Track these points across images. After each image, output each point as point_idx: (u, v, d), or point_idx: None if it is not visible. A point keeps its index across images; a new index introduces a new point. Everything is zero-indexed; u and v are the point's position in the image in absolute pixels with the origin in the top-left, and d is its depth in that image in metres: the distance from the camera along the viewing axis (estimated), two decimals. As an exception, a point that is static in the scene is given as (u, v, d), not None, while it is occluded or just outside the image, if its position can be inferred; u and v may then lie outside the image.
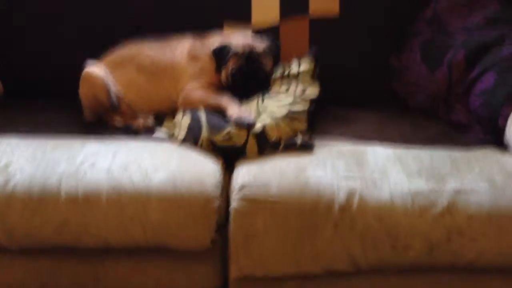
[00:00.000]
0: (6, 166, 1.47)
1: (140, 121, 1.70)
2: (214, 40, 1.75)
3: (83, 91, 1.70)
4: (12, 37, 1.87)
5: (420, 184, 1.44)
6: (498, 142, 1.60)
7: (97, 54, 1.79)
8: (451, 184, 1.44)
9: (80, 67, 1.71)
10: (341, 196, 1.42)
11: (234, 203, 1.43)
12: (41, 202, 1.42)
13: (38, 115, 1.74)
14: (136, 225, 1.41)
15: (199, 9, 1.86)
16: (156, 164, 1.48)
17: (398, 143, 1.61)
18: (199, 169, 1.48)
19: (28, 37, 1.87)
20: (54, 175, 1.44)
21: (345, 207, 1.41)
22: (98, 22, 1.85)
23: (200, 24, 1.84)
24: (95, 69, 1.70)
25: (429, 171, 1.48)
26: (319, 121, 1.71)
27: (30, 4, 1.85)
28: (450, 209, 1.40)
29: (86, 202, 1.41)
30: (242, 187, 1.44)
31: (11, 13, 1.86)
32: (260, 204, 1.41)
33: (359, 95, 1.88)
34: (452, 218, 1.39)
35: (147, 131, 1.68)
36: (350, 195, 1.42)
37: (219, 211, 1.44)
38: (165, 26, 1.84)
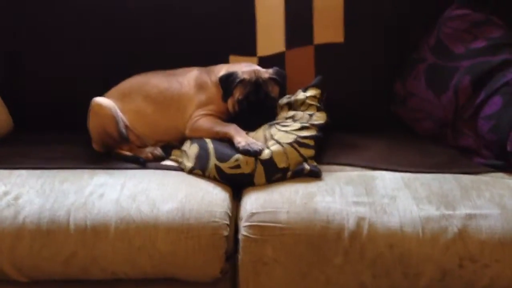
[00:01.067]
0: (16, 198, 1.47)
1: (148, 151, 1.71)
2: (220, 69, 1.77)
3: (92, 122, 1.72)
4: (22, 73, 1.90)
5: (430, 210, 1.43)
6: (507, 166, 1.59)
7: (104, 87, 1.82)
8: (462, 210, 1.43)
9: (89, 99, 1.73)
10: (350, 223, 1.41)
11: (243, 231, 1.42)
12: (50, 234, 1.42)
13: (48, 148, 1.75)
14: (144, 255, 1.40)
15: (204, 42, 1.88)
16: (164, 194, 1.48)
17: (407, 169, 1.61)
18: (207, 198, 1.48)
19: (38, 72, 1.90)
20: (63, 207, 1.45)
21: (355, 234, 1.39)
22: (107, 57, 1.88)
23: (205, 57, 1.86)
24: (103, 100, 1.72)
25: (439, 197, 1.47)
26: (327, 148, 1.71)
27: (40, 41, 1.89)
28: (462, 235, 1.38)
29: (95, 234, 1.41)
30: (251, 215, 1.43)
31: (21, 50, 1.89)
32: (269, 232, 1.40)
33: (365, 122, 1.89)
34: (463, 244, 1.37)
35: (156, 161, 1.69)
36: (359, 222, 1.41)
37: (228, 241, 1.43)
38: (170, 61, 1.86)
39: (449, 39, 1.82)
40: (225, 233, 1.42)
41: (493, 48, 1.75)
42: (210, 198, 1.48)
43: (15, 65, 1.89)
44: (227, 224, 1.44)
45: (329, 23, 1.88)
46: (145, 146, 1.76)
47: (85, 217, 1.43)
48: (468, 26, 1.82)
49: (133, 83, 1.80)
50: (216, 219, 1.43)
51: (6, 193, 1.49)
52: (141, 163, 1.66)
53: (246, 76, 1.71)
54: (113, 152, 1.73)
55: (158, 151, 1.71)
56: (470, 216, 1.41)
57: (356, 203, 1.46)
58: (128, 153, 1.72)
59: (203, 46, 1.89)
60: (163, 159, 1.70)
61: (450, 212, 1.42)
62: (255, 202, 1.47)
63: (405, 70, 1.88)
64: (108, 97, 1.76)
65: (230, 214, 1.47)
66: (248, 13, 1.88)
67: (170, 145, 1.76)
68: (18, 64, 1.89)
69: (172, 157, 1.71)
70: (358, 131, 1.83)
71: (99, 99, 1.72)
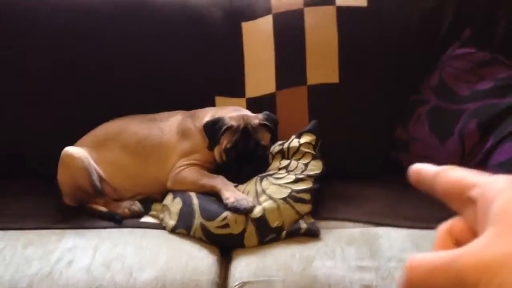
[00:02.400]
0: (-29, 268, 1.28)
1: (126, 207, 1.53)
2: (205, 115, 1.61)
3: (62, 175, 1.54)
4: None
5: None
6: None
7: (78, 133, 1.64)
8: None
9: (60, 148, 1.55)
10: (355, 293, 1.24)
11: (233, 304, 1.24)
12: (9, 310, 1.22)
13: (12, 202, 1.57)
14: (119, 335, 1.22)
15: (188, 82, 1.72)
16: (142, 260, 1.30)
17: (414, 224, 1.45)
18: (191, 264, 1.30)
19: (1, 118, 1.71)
20: (25, 278, 1.26)
21: (361, 305, 1.23)
22: (81, 99, 1.70)
23: (189, 99, 1.70)
24: (74, 150, 1.54)
25: (453, 259, 1.31)
26: (324, 201, 1.55)
27: (3, 84, 1.70)
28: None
29: (62, 310, 1.22)
30: (242, 285, 1.26)
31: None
32: (263, 305, 1.23)
33: (365, 169, 1.73)
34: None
35: (134, 217, 1.51)
36: (365, 291, 1.24)
37: (215, 314, 1.25)
38: (151, 103, 1.70)
39: (453, 80, 1.69)
40: (213, 306, 1.24)
41: (500, 90, 1.62)
42: (195, 264, 1.31)
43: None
44: (215, 295, 1.26)
45: (323, 62, 1.73)
46: (122, 199, 1.58)
47: (50, 290, 1.24)
48: (472, 65, 1.69)
49: (109, 129, 1.63)
50: (202, 290, 1.25)
51: (-41, 262, 1.30)
52: (117, 221, 1.48)
53: (233, 123, 1.55)
54: (86, 207, 1.55)
55: (137, 206, 1.53)
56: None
57: (360, 268, 1.29)
58: (102, 208, 1.54)
59: (187, 87, 1.73)
60: (142, 215, 1.52)
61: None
62: (246, 268, 1.29)
63: (406, 113, 1.73)
64: (80, 146, 1.59)
65: (218, 281, 1.29)
66: (236, 51, 1.73)
67: (150, 199, 1.59)
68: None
69: (153, 212, 1.53)
70: (357, 179, 1.67)
71: (70, 149, 1.54)
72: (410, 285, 0.31)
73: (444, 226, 0.35)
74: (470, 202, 0.33)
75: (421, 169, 0.37)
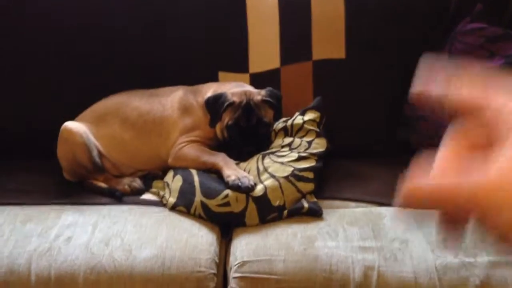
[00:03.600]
0: (-30, 243, 1.27)
1: (126, 183, 1.51)
2: (207, 90, 1.57)
3: (61, 150, 1.52)
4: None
5: (448, 258, 1.24)
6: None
7: (78, 108, 1.61)
8: (484, 257, 1.24)
9: (60, 124, 1.53)
10: (357, 273, 1.22)
11: (232, 283, 1.23)
12: (9, 286, 1.22)
13: (12, 178, 1.55)
14: (118, 312, 1.21)
15: (190, 57, 1.68)
16: (142, 237, 1.29)
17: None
18: (191, 242, 1.28)
19: (1, 95, 1.68)
20: (24, 253, 1.25)
21: (363, 285, 1.21)
22: (81, 74, 1.67)
23: (192, 74, 1.66)
24: (74, 125, 1.52)
25: (458, 241, 1.28)
26: (327, 179, 1.52)
27: (5, 61, 1.66)
28: (484, 286, 1.20)
29: (60, 286, 1.21)
30: (242, 264, 1.24)
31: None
32: (263, 284, 1.22)
33: (369, 148, 1.69)
34: (489, 301, 1.19)
35: (134, 194, 1.49)
36: (367, 272, 1.22)
37: (215, 293, 1.24)
38: (152, 78, 1.66)
39: (463, 55, 1.64)
40: (212, 284, 1.23)
41: (511, 67, 1.57)
42: (195, 242, 1.29)
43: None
44: (214, 274, 1.25)
45: (329, 36, 1.68)
46: (123, 175, 1.56)
47: (49, 266, 1.23)
48: (483, 41, 1.63)
49: (109, 104, 1.60)
50: (202, 269, 1.23)
51: (-42, 237, 1.29)
52: (117, 197, 1.46)
53: (236, 99, 1.51)
54: (86, 182, 1.53)
55: (137, 183, 1.51)
56: (493, 264, 1.23)
57: (363, 249, 1.27)
58: (102, 184, 1.52)
59: (189, 61, 1.69)
60: (142, 192, 1.50)
61: (471, 260, 1.24)
62: (246, 247, 1.27)
63: (414, 90, 1.69)
64: (80, 121, 1.56)
65: (218, 260, 1.28)
66: (240, 25, 1.68)
67: (151, 175, 1.56)
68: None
69: (153, 189, 1.51)
70: (361, 158, 1.64)
71: (69, 124, 1.52)
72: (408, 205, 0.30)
73: (455, 133, 0.34)
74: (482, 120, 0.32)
75: (427, 89, 0.36)
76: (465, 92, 0.34)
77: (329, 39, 1.68)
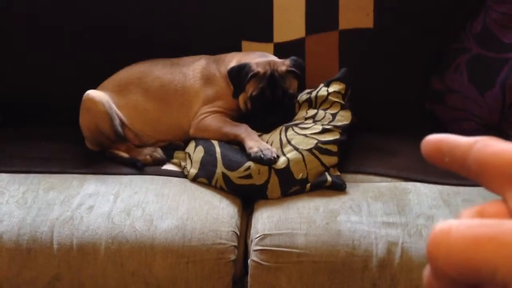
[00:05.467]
0: (-5, 209, 1.29)
1: (147, 153, 1.50)
2: (231, 60, 1.54)
3: (84, 119, 1.51)
4: (9, 63, 1.68)
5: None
6: None
7: (101, 77, 1.60)
8: None
9: (83, 91, 1.52)
10: (380, 249, 1.20)
11: (253, 256, 1.22)
12: (30, 253, 1.23)
13: (35, 146, 1.55)
14: (138, 281, 1.21)
15: (213, 26, 1.64)
16: (163, 208, 1.28)
17: (446, 181, 1.38)
18: (212, 214, 1.27)
19: (27, 62, 1.68)
20: (46, 221, 1.26)
21: (385, 262, 1.19)
22: (104, 44, 1.65)
23: (215, 43, 1.63)
24: (96, 94, 1.51)
25: (485, 218, 1.24)
26: (352, 153, 1.49)
27: (30, 28, 1.66)
28: None
29: (82, 255, 1.22)
30: (263, 237, 1.23)
31: (9, 39, 1.67)
32: (284, 259, 1.20)
33: (396, 121, 1.65)
34: None
35: (155, 165, 1.48)
36: (390, 247, 1.20)
37: (235, 265, 1.23)
38: (175, 47, 1.63)
39: (498, 26, 1.56)
40: (232, 257, 1.22)
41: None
42: (216, 214, 1.28)
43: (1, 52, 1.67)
44: (235, 246, 1.24)
45: (356, 5, 1.62)
46: (145, 145, 1.55)
47: (71, 235, 1.24)
48: (520, 11, 1.56)
49: (131, 73, 1.58)
50: (222, 241, 1.22)
51: (-18, 203, 1.31)
52: (139, 167, 1.45)
53: (260, 69, 1.48)
54: (108, 152, 1.53)
55: (159, 153, 1.50)
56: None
57: (387, 224, 1.24)
58: (124, 154, 1.51)
59: (212, 30, 1.65)
60: (163, 162, 1.49)
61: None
62: (268, 220, 1.26)
63: (444, 62, 1.62)
64: (102, 90, 1.55)
65: (239, 233, 1.27)
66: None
67: (173, 146, 1.55)
68: (5, 51, 1.68)
69: (174, 160, 1.50)
70: (388, 132, 1.60)
71: (92, 93, 1.51)
72: (444, 260, 0.23)
73: (469, 211, 0.26)
74: None
75: (446, 139, 0.28)
76: (497, 145, 0.26)
77: (356, 8, 1.62)
